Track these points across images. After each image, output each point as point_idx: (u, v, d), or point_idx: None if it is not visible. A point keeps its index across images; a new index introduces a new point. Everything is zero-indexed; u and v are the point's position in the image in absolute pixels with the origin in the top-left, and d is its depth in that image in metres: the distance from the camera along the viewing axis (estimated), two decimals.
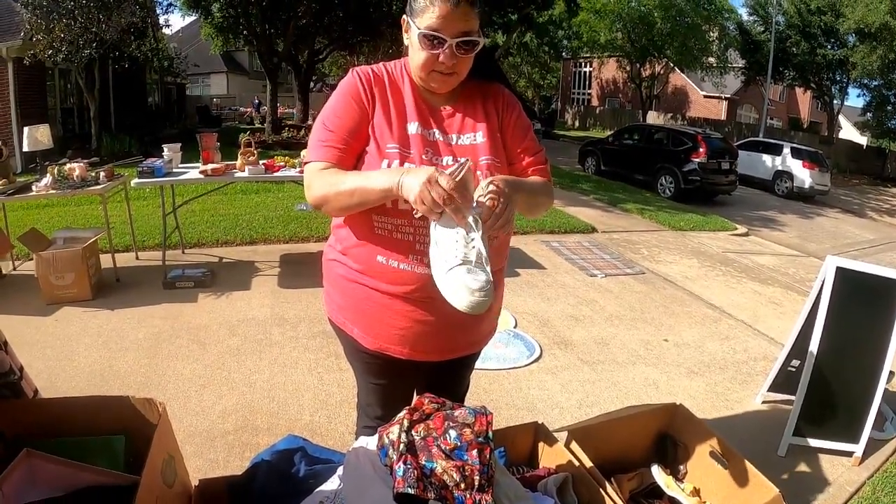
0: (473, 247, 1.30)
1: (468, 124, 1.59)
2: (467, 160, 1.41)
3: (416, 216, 1.34)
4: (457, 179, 1.29)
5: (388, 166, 1.47)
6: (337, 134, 1.51)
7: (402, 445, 1.21)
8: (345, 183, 1.43)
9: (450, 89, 1.58)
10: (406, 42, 1.55)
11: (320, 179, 1.48)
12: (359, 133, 1.52)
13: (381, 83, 1.57)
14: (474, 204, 1.32)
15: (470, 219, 1.30)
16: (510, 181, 1.43)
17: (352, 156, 1.53)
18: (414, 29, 1.46)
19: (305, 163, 1.56)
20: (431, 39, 1.43)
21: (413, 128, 1.53)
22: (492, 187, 1.34)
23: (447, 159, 1.52)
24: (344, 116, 1.53)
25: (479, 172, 1.51)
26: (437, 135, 1.56)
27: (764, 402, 3.71)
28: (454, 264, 1.29)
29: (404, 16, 1.52)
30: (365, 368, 1.73)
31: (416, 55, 1.49)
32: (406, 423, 1.27)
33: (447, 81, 1.53)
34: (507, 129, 1.65)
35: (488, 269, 1.31)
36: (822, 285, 3.26)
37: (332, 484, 1.45)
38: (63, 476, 1.36)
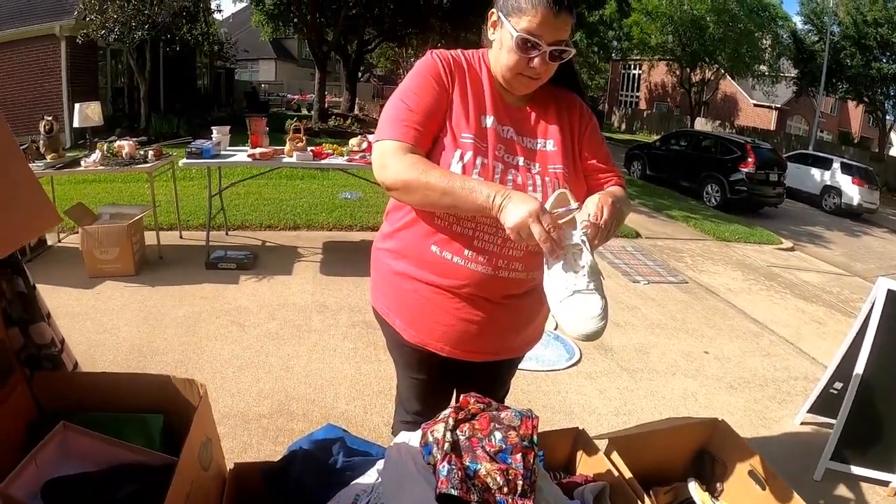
0: (584, 274, 1.27)
1: (541, 129, 1.54)
2: (562, 191, 1.37)
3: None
4: (560, 221, 1.25)
5: (462, 158, 1.40)
6: (416, 113, 1.44)
7: (447, 444, 1.18)
8: (437, 178, 1.33)
9: (530, 92, 1.53)
10: (491, 37, 1.50)
11: (401, 161, 1.38)
12: (437, 114, 1.46)
13: (461, 68, 1.51)
14: (581, 227, 1.28)
15: (577, 238, 1.27)
16: (611, 193, 1.42)
17: (429, 138, 1.46)
18: (508, 28, 1.39)
19: (376, 140, 1.47)
20: (527, 43, 1.38)
21: (489, 121, 1.47)
22: (599, 205, 1.32)
23: (520, 160, 1.47)
24: (424, 95, 1.46)
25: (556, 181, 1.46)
26: (512, 133, 1.50)
27: (803, 424, 3.59)
28: (565, 296, 1.27)
29: (493, 9, 1.46)
30: (405, 362, 1.70)
31: (507, 55, 1.42)
32: (451, 421, 1.24)
33: (530, 85, 1.48)
34: (583, 143, 1.59)
35: (602, 290, 1.29)
36: (872, 307, 3.15)
37: (369, 477, 1.43)
38: (98, 451, 1.36)
